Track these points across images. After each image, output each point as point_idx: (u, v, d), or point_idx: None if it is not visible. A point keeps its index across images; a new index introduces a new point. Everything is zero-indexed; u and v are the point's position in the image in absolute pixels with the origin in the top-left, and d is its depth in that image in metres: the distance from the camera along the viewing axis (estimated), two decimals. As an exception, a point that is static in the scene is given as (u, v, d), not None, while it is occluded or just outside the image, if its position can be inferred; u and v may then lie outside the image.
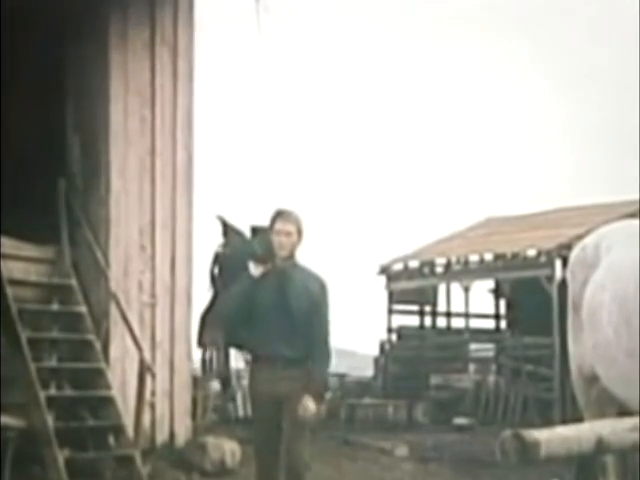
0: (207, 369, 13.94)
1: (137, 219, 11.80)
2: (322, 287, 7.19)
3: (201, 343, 12.98)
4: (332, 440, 14.65)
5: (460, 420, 19.40)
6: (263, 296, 7.07)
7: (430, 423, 19.83)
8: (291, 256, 7.15)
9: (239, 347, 7.70)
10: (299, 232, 7.16)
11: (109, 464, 10.24)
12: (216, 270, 10.22)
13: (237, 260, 7.90)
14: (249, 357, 7.30)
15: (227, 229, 10.11)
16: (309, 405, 7.05)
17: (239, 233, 9.69)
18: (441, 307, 25.88)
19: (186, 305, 12.24)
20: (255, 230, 9.11)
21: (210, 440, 11.86)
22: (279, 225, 7.12)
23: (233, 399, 16.89)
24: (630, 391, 5.90)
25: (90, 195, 11.64)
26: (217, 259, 10.48)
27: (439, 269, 23.91)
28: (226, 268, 9.25)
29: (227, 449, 11.74)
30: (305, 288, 7.09)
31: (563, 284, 6.80)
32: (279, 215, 7.19)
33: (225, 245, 10.22)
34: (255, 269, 7.12)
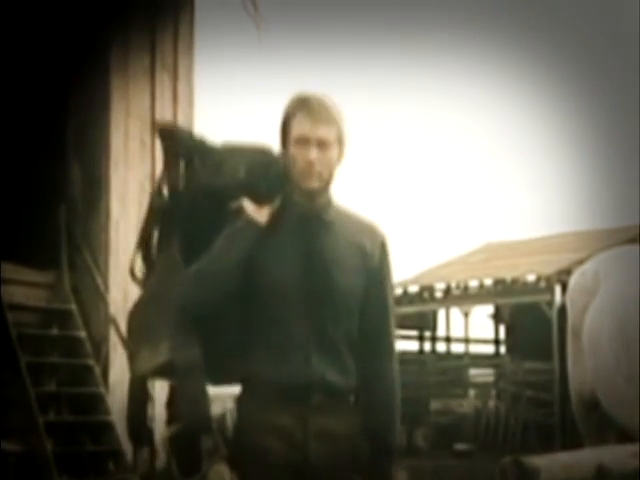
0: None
1: (137, 244, 11.79)
2: (383, 247, 3.74)
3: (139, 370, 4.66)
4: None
5: (460, 445, 19.37)
6: (277, 264, 3.56)
7: (430, 448, 19.79)
8: (326, 188, 3.60)
9: (218, 380, 4.00)
10: (340, 142, 3.58)
11: (108, 489, 10.20)
12: (155, 234, 4.40)
13: (206, 205, 3.82)
14: (240, 387, 3.81)
15: (174, 148, 4.25)
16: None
17: (207, 151, 4.17)
18: (441, 332, 25.94)
19: (186, 330, 12.21)
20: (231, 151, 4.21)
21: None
22: (305, 126, 3.53)
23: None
24: (630, 417, 5.89)
25: (90, 220, 11.63)
26: (155, 212, 4.31)
27: (439, 294, 23.94)
28: (181, 224, 4.06)
29: (227, 475, 11.69)
30: (358, 249, 3.65)
31: (563, 309, 6.80)
32: (303, 106, 3.55)
33: (176, 180, 4.19)
34: (257, 212, 3.57)
